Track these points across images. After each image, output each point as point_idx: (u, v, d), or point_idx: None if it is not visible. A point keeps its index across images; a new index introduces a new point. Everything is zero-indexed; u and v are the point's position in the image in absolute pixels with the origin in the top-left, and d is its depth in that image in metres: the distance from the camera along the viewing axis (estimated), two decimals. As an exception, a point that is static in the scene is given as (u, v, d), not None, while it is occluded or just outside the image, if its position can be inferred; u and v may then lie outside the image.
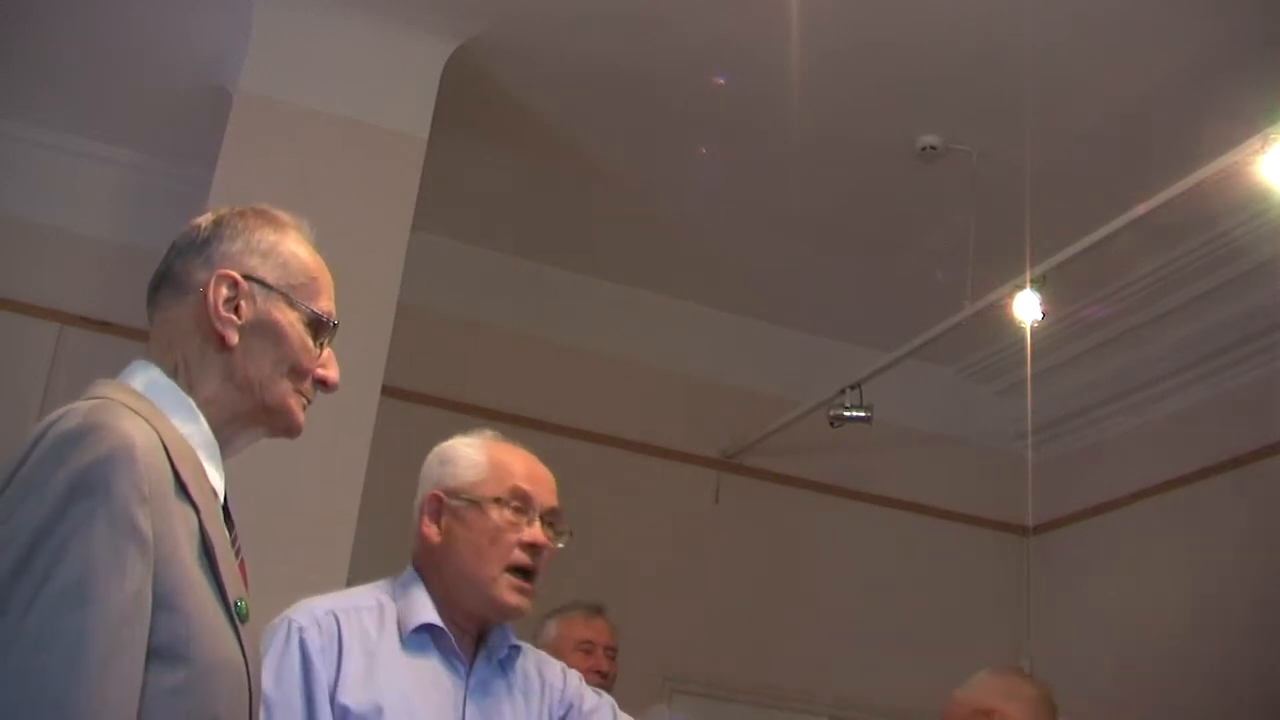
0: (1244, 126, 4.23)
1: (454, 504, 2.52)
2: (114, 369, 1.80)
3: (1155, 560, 6.27)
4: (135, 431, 1.58)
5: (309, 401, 1.91)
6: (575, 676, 2.70)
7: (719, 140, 5.49)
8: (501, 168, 5.82)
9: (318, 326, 1.90)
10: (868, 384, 5.85)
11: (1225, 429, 6.04)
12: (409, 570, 2.56)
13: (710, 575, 6.41)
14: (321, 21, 4.84)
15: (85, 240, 5.75)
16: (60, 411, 1.61)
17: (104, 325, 5.44)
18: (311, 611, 2.39)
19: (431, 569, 2.52)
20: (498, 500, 2.50)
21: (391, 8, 4.86)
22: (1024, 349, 5.46)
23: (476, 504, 2.50)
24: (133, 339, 4.91)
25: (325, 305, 1.92)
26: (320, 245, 1.95)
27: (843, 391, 5.89)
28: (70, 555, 1.46)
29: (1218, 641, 5.75)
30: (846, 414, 5.85)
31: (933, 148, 5.30)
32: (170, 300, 1.85)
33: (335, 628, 2.37)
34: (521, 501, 2.52)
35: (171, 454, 1.63)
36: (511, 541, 2.48)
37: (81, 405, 1.61)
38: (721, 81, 5.06)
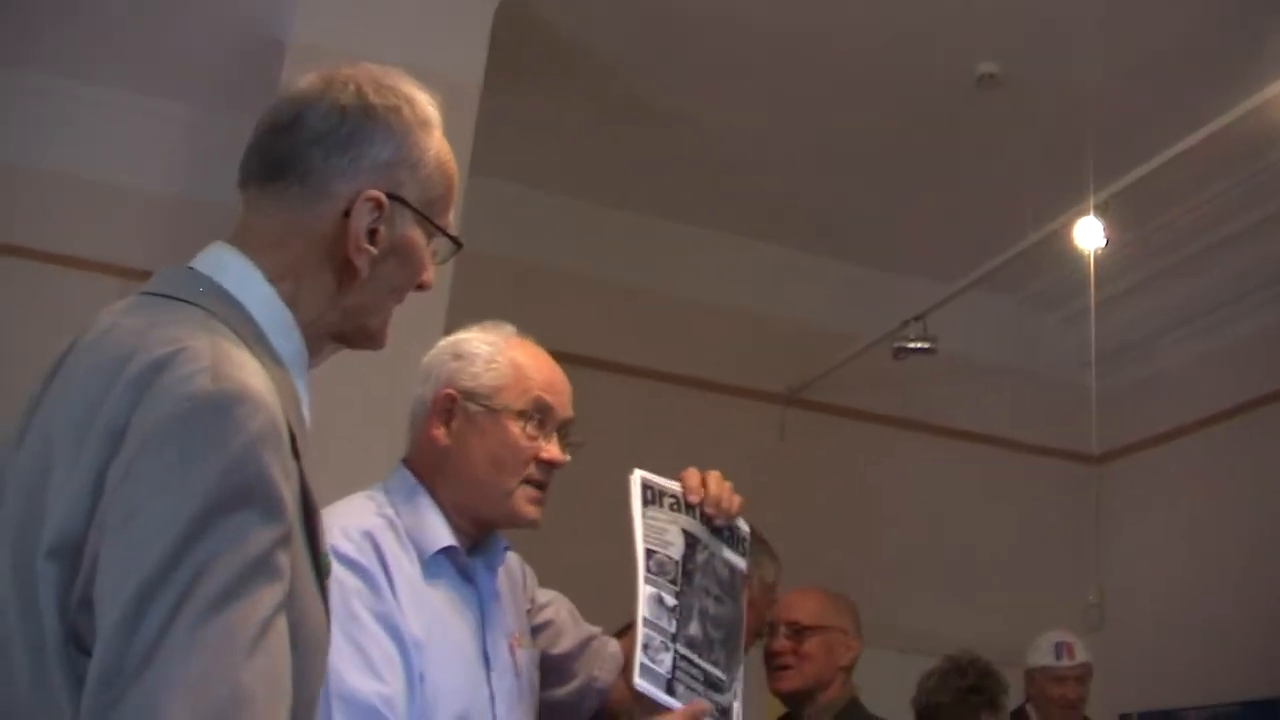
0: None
1: (469, 408, 2.33)
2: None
3: (1222, 486, 6.23)
4: (266, 390, 1.39)
5: None
6: (529, 569, 2.59)
7: (775, 74, 5.45)
8: (557, 109, 5.81)
9: (442, 244, 1.72)
10: (930, 315, 5.83)
11: (1292, 352, 5.99)
12: (405, 475, 2.37)
13: (777, 511, 6.38)
14: (373, -32, 4.84)
15: (144, 195, 5.78)
16: (167, 346, 1.38)
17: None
18: (345, 531, 2.17)
19: (437, 474, 2.34)
20: (521, 414, 2.32)
21: (442, -48, 4.85)
22: (1087, 276, 5.40)
23: (495, 413, 2.32)
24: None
25: (451, 218, 1.73)
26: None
27: (906, 324, 5.87)
28: (220, 567, 1.27)
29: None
30: (910, 346, 5.84)
31: (991, 75, 5.24)
32: (295, 199, 1.60)
33: (374, 549, 2.20)
34: (543, 415, 2.35)
35: (281, 398, 1.43)
36: (529, 457, 2.32)
37: (196, 348, 1.38)
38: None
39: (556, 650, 2.51)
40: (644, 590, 2.26)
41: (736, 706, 2.35)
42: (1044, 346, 7.14)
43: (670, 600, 2.28)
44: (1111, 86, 5.16)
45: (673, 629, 2.27)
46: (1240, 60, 4.73)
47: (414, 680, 2.16)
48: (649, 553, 2.29)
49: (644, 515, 2.32)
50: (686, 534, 2.36)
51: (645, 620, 2.24)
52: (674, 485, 2.40)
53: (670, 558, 2.31)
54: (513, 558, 2.54)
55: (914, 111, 5.60)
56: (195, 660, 1.24)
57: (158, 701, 1.22)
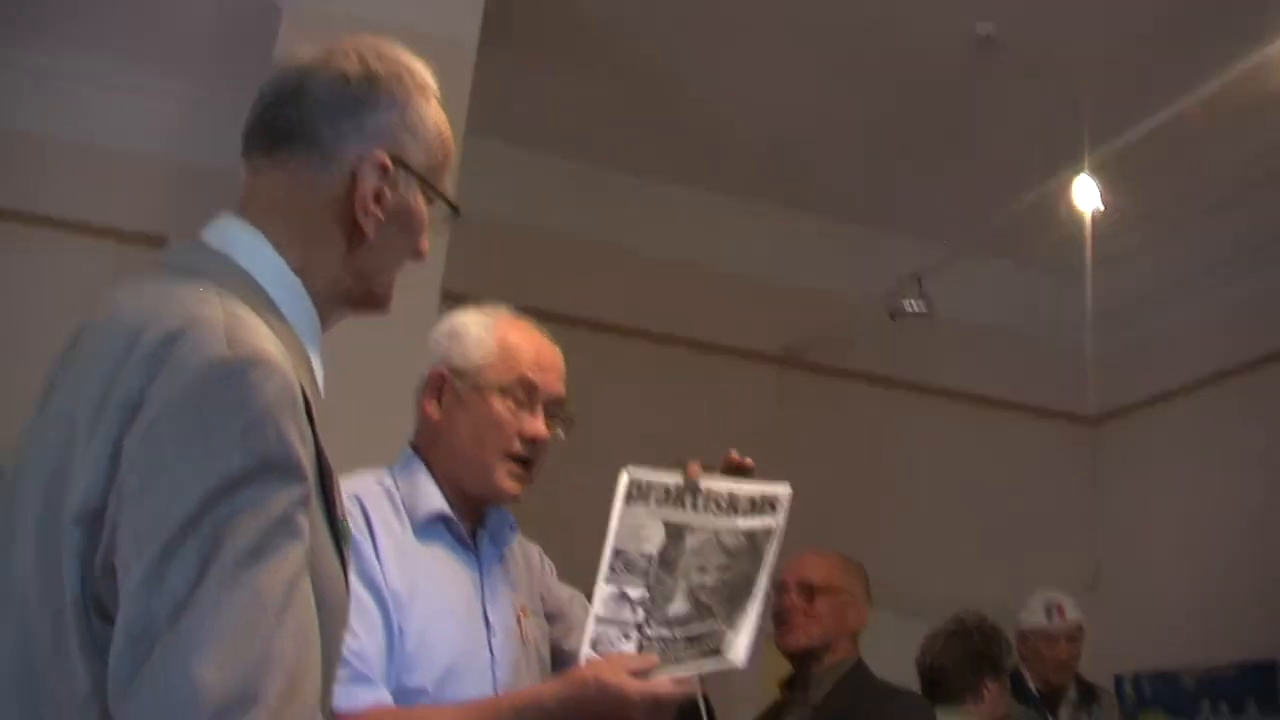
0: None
1: (458, 385, 2.43)
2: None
3: (1218, 448, 6.24)
4: (280, 354, 1.40)
5: None
6: (549, 563, 2.67)
7: (772, 36, 5.43)
8: (552, 70, 5.79)
9: (440, 210, 1.75)
10: (928, 277, 5.83)
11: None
12: (407, 451, 2.48)
13: (775, 474, 6.42)
14: (367, -72, 4.80)
15: (138, 158, 5.77)
16: (180, 318, 1.40)
17: (163, 241, 5.46)
18: None
19: (431, 449, 2.45)
20: (503, 390, 2.41)
21: (437, -89, 4.81)
22: (1084, 239, 5.40)
23: (480, 390, 2.41)
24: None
25: (448, 184, 1.76)
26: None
27: (902, 285, 5.87)
28: (243, 526, 1.29)
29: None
30: (907, 308, 5.84)
31: (989, 37, 5.23)
32: (302, 165, 1.62)
33: (361, 511, 2.28)
34: (526, 392, 2.42)
35: (295, 366, 1.45)
36: (511, 432, 2.40)
37: (209, 317, 1.40)
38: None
39: (569, 644, 2.55)
40: (601, 590, 2.38)
41: (730, 635, 2.34)
42: (1041, 309, 7.13)
43: (636, 593, 2.38)
44: (1110, 48, 5.15)
45: (638, 618, 2.36)
46: (1238, 22, 4.69)
47: (393, 635, 2.21)
48: (617, 551, 2.41)
49: (623, 515, 2.43)
50: (669, 525, 2.44)
51: (597, 618, 2.36)
52: (667, 478, 2.47)
53: (642, 552, 2.41)
54: (534, 548, 2.63)
55: (911, 72, 5.58)
56: (225, 618, 1.26)
57: (189, 657, 1.24)
